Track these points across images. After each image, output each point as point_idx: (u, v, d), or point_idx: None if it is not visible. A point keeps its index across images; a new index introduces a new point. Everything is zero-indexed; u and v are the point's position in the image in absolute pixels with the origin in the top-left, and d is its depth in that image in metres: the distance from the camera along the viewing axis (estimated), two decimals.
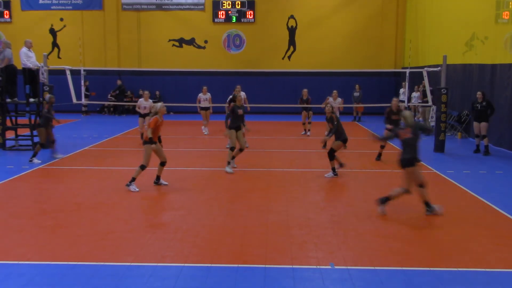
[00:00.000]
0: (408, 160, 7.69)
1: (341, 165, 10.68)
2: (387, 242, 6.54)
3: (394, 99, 11.99)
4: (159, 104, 9.63)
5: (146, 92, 15.02)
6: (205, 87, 17.44)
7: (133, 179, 9.23)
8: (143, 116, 14.55)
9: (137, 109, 14.91)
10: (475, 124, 13.42)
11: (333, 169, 10.52)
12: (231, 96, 16.01)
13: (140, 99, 14.95)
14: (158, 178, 9.70)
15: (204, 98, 16.88)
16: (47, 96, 12.53)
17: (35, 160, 11.89)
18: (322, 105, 14.39)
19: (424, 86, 17.11)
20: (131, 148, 14.07)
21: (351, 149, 14.01)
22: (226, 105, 12.37)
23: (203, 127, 17.20)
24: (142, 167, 9.26)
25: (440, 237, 6.77)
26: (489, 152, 13.18)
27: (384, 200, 7.79)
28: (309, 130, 16.97)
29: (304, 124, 17.01)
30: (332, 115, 10.62)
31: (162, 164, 9.57)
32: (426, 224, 7.32)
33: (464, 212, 8.06)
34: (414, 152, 7.78)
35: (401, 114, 8.10)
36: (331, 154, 10.43)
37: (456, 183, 9.90)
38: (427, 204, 7.73)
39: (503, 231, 7.03)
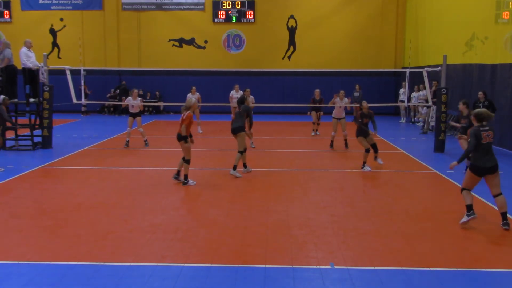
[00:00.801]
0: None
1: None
2: (387, 242, 6.54)
3: (364, 102, 12.06)
4: (193, 99, 9.85)
5: (135, 91, 14.53)
6: (194, 87, 17.47)
7: (186, 176, 9.64)
8: (133, 115, 14.25)
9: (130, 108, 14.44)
10: None
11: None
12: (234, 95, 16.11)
13: (129, 98, 14.41)
14: (178, 173, 9.90)
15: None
16: (1, 97, 11.82)
17: None
18: (330, 104, 14.48)
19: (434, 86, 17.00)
20: (131, 148, 14.07)
21: (351, 149, 14.02)
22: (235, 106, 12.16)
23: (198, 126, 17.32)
24: (188, 162, 9.66)
25: (440, 237, 6.77)
26: None
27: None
28: (317, 130, 17.13)
29: (314, 124, 17.03)
30: (370, 111, 11.65)
31: (185, 160, 9.70)
32: (426, 224, 7.32)
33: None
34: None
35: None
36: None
37: (456, 183, 9.89)
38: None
39: (503, 231, 7.03)
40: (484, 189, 9.41)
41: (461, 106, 11.10)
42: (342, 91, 14.82)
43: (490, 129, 7.07)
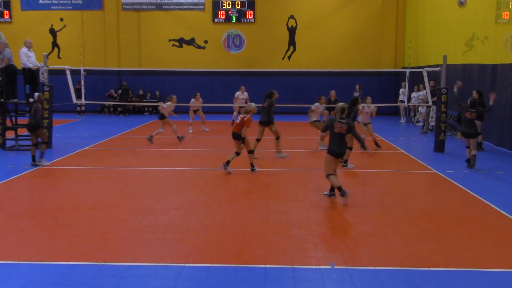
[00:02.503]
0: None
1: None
2: (387, 242, 6.54)
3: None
4: (254, 104, 10.99)
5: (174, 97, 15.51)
6: (243, 87, 19.19)
7: (252, 164, 10.93)
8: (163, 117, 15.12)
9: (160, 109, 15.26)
10: None
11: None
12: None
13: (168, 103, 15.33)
14: (252, 165, 11.00)
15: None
16: (36, 94, 12.15)
17: (44, 162, 11.58)
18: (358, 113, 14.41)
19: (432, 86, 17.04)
20: (131, 148, 14.08)
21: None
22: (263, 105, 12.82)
23: (190, 126, 17.52)
24: (252, 152, 11.04)
25: (440, 237, 6.77)
26: (481, 148, 13.42)
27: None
28: None
29: None
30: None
31: (249, 151, 11.00)
32: (426, 224, 7.32)
33: (464, 212, 8.06)
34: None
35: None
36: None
37: (456, 183, 9.90)
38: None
39: (503, 231, 7.03)
40: (484, 189, 9.44)
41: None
42: (368, 98, 14.75)
43: (346, 123, 8.44)
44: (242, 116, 10.81)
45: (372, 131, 14.43)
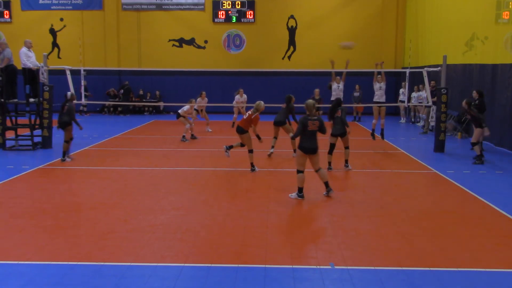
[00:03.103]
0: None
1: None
2: (387, 242, 6.54)
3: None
4: (262, 103, 11.10)
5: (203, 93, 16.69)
6: (241, 90, 18.95)
7: (252, 164, 10.94)
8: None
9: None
10: None
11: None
12: None
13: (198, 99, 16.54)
14: (252, 165, 11.03)
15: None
16: (69, 93, 12.67)
17: (68, 159, 12.13)
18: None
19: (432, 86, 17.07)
20: (131, 148, 14.07)
21: (351, 149, 14.00)
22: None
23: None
24: (251, 151, 11.01)
25: (440, 237, 6.77)
26: (481, 148, 13.40)
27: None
28: None
29: None
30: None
31: (249, 151, 11.01)
32: (426, 224, 7.32)
33: (464, 212, 8.06)
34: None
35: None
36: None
37: (456, 183, 9.90)
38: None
39: (503, 231, 7.03)
40: (484, 189, 9.44)
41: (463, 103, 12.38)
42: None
43: (317, 119, 8.57)
44: (250, 112, 10.95)
45: (384, 115, 14.79)
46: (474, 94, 13.69)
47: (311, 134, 8.52)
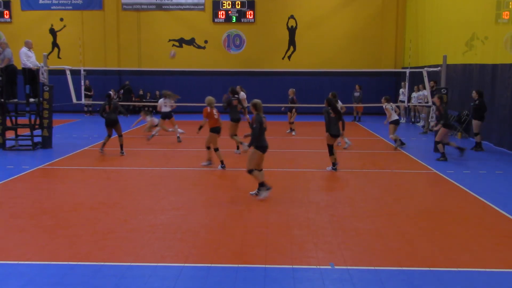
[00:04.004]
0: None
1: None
2: (387, 242, 6.54)
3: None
4: (210, 97, 11.46)
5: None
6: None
7: (222, 161, 11.22)
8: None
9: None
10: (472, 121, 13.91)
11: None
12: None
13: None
14: (221, 162, 11.24)
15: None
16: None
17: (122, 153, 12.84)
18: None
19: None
20: (131, 148, 14.07)
21: (351, 149, 14.02)
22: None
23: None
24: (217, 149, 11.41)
25: (441, 237, 6.77)
26: (481, 148, 13.49)
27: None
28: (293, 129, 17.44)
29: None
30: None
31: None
32: (426, 224, 7.32)
33: (464, 212, 8.06)
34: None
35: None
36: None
37: (456, 183, 9.90)
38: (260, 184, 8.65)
39: (503, 231, 7.03)
40: (484, 189, 9.44)
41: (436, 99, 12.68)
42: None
43: (264, 117, 8.64)
44: (215, 112, 11.35)
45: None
46: (474, 94, 13.77)
47: (264, 132, 8.64)
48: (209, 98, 11.38)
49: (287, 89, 25.00)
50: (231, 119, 13.13)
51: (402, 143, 14.22)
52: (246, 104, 16.11)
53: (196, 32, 25.64)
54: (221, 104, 12.99)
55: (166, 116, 15.30)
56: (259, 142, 8.52)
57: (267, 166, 11.58)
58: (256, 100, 8.71)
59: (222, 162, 11.27)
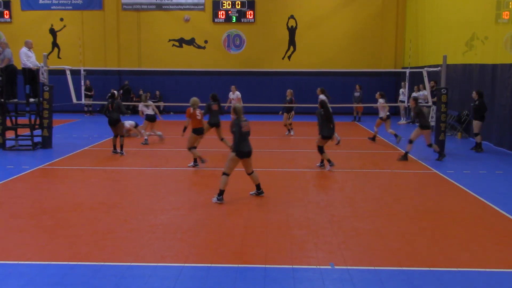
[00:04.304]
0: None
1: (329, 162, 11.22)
2: (387, 242, 6.54)
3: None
4: (195, 98, 11.50)
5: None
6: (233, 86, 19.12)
7: (195, 160, 11.38)
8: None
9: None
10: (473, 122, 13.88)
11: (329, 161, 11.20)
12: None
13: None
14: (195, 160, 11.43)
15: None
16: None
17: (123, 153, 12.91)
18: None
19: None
20: (131, 148, 14.07)
21: (351, 149, 14.02)
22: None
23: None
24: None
25: (440, 237, 6.77)
26: (481, 149, 13.48)
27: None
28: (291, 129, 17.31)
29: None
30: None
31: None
32: (426, 224, 7.32)
33: (464, 212, 8.06)
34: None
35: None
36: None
37: (456, 183, 9.90)
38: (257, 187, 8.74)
39: (503, 231, 7.04)
40: (484, 189, 9.44)
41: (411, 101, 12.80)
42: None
43: (246, 120, 8.48)
44: (198, 112, 11.35)
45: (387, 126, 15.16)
46: (474, 94, 13.76)
47: (245, 136, 8.41)
48: (194, 99, 11.40)
49: (287, 89, 25.08)
50: (209, 123, 12.90)
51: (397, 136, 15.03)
52: (242, 103, 16.13)
53: (196, 32, 25.63)
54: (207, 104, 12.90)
55: (150, 118, 15.03)
56: (237, 147, 8.34)
57: (267, 166, 11.61)
58: (236, 105, 8.65)
59: (195, 160, 11.46)
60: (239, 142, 8.32)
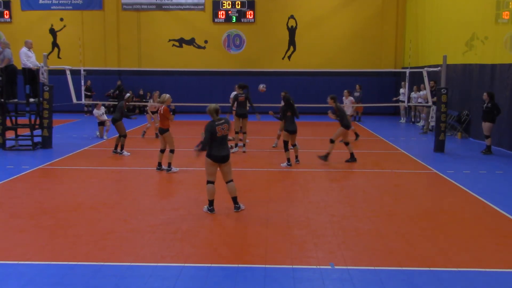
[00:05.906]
0: None
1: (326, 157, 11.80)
2: (387, 242, 6.54)
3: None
4: (167, 95, 11.22)
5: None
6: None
7: (169, 164, 10.91)
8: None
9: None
10: (482, 124, 13.54)
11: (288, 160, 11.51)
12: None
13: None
14: (160, 164, 11.09)
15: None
16: (127, 95, 14.77)
17: (125, 152, 13.05)
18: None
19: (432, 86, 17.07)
20: (131, 148, 14.07)
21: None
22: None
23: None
24: (173, 151, 11.06)
25: (440, 237, 6.77)
26: (490, 151, 13.29)
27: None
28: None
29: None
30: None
31: (171, 150, 11.01)
32: (426, 224, 7.32)
33: (464, 212, 8.06)
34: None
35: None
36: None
37: (456, 183, 9.90)
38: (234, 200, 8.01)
39: (503, 231, 7.03)
40: (484, 189, 9.44)
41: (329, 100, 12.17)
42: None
43: (225, 122, 7.68)
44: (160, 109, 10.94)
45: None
46: (485, 96, 13.35)
47: (221, 140, 7.59)
48: (164, 96, 11.08)
49: (287, 89, 25.03)
50: (236, 114, 13.56)
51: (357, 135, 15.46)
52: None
53: (196, 32, 25.64)
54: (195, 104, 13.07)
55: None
56: (209, 150, 7.55)
57: (267, 166, 11.61)
58: (210, 104, 7.79)
59: (159, 163, 11.02)
60: (213, 145, 7.52)
